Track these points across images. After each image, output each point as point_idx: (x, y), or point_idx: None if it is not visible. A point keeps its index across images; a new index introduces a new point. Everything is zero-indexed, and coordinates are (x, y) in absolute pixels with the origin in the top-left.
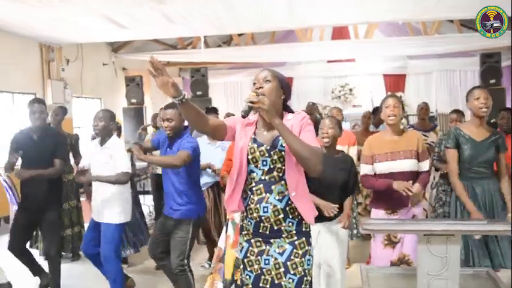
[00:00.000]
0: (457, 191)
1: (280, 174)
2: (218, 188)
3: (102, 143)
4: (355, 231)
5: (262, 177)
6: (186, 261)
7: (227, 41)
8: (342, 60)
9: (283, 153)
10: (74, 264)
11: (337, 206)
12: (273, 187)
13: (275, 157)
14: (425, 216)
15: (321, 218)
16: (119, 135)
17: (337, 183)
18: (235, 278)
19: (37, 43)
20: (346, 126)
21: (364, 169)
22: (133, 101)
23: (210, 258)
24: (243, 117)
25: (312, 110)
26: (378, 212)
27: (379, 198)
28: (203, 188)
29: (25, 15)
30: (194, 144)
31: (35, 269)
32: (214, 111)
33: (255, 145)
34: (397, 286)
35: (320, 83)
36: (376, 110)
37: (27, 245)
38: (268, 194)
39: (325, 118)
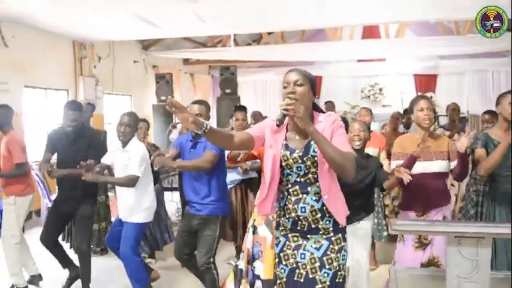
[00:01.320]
0: (499, 149)
1: (315, 176)
2: (246, 186)
3: (124, 145)
4: (384, 233)
5: (298, 179)
6: (212, 258)
7: (257, 39)
8: (372, 59)
9: (316, 158)
10: (103, 258)
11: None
12: (309, 188)
13: (308, 163)
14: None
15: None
16: (147, 132)
17: (362, 186)
18: None
19: (70, 40)
20: (374, 126)
21: (393, 164)
22: (163, 98)
23: (237, 256)
24: (278, 126)
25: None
26: (407, 214)
27: (410, 200)
28: (230, 186)
29: (59, 13)
30: None
31: (66, 261)
32: (243, 109)
33: (288, 152)
34: None
35: (349, 82)
36: (407, 112)
37: (60, 238)
38: (305, 195)
39: (353, 121)
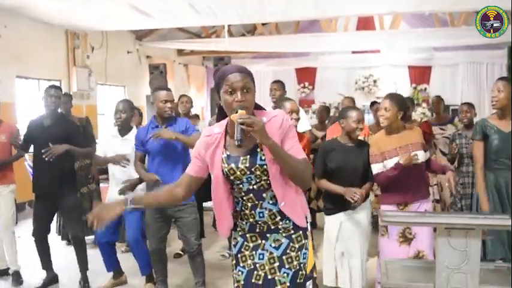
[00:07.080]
0: (477, 183)
1: (268, 182)
2: None
3: (123, 134)
4: None
5: (250, 187)
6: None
7: (251, 30)
8: (367, 51)
9: (265, 167)
10: (96, 249)
11: (359, 192)
12: (264, 195)
13: (258, 173)
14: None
15: (343, 206)
16: (140, 121)
17: (358, 170)
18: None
19: (63, 30)
20: (369, 118)
21: (375, 168)
22: None
23: (230, 247)
24: (239, 146)
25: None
26: (389, 208)
27: (389, 193)
28: None
29: (51, 3)
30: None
31: (47, 263)
32: None
33: (233, 164)
34: (416, 279)
35: (344, 73)
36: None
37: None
38: (261, 201)
39: (352, 110)
